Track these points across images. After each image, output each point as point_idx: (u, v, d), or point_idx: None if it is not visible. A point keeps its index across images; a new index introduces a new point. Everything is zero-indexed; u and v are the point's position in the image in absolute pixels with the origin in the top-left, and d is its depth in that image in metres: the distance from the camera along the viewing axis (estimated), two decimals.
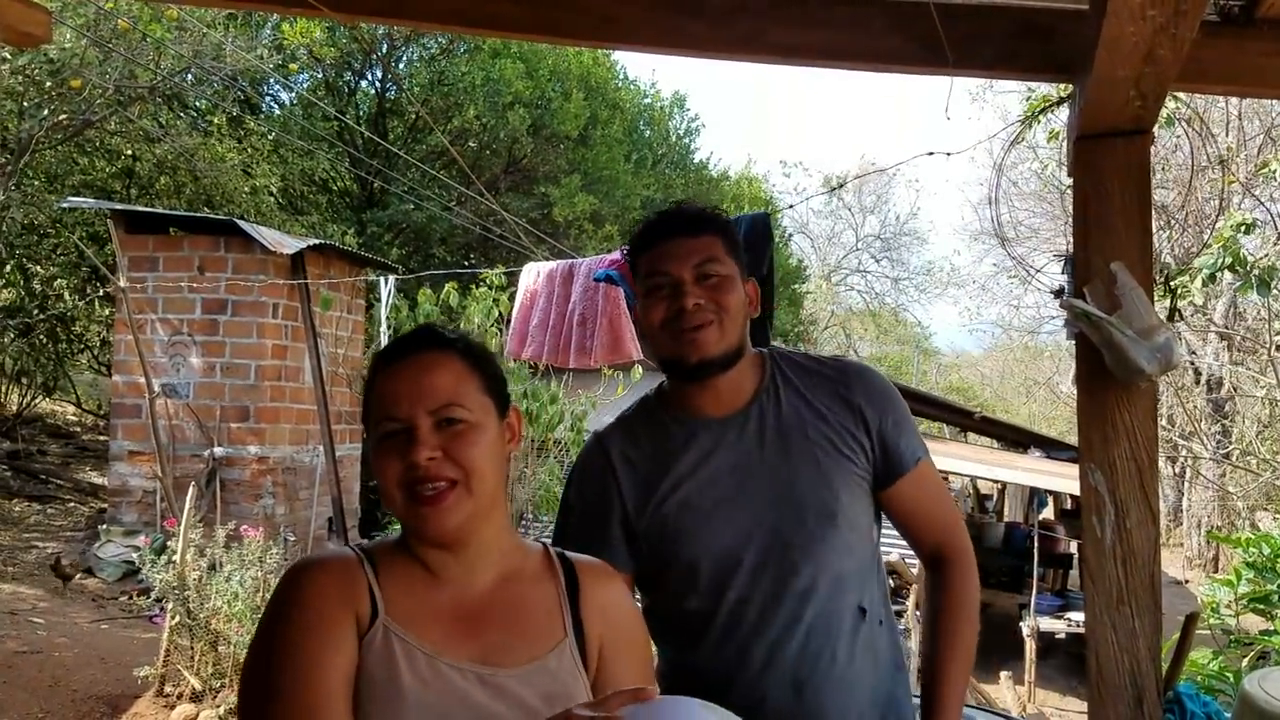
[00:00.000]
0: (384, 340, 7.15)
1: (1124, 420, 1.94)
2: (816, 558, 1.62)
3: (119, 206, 8.86)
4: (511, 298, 9.02)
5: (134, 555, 7.98)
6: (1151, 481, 1.92)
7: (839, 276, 34.14)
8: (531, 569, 1.30)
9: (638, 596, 1.75)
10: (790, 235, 26.54)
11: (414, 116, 12.25)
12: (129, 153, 9.86)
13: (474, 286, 9.53)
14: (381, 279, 7.16)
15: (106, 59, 8.33)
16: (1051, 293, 2.28)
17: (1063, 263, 2.20)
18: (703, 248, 1.66)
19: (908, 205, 48.70)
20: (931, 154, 3.93)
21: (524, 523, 9.53)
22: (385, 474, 1.21)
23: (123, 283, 5.87)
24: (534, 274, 4.43)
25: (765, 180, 23.75)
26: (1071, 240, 2.10)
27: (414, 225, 12.01)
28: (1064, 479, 10.13)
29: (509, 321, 8.64)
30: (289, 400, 8.63)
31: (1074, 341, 2.02)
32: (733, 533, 1.63)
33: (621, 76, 14.36)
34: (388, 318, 7.17)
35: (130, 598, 7.54)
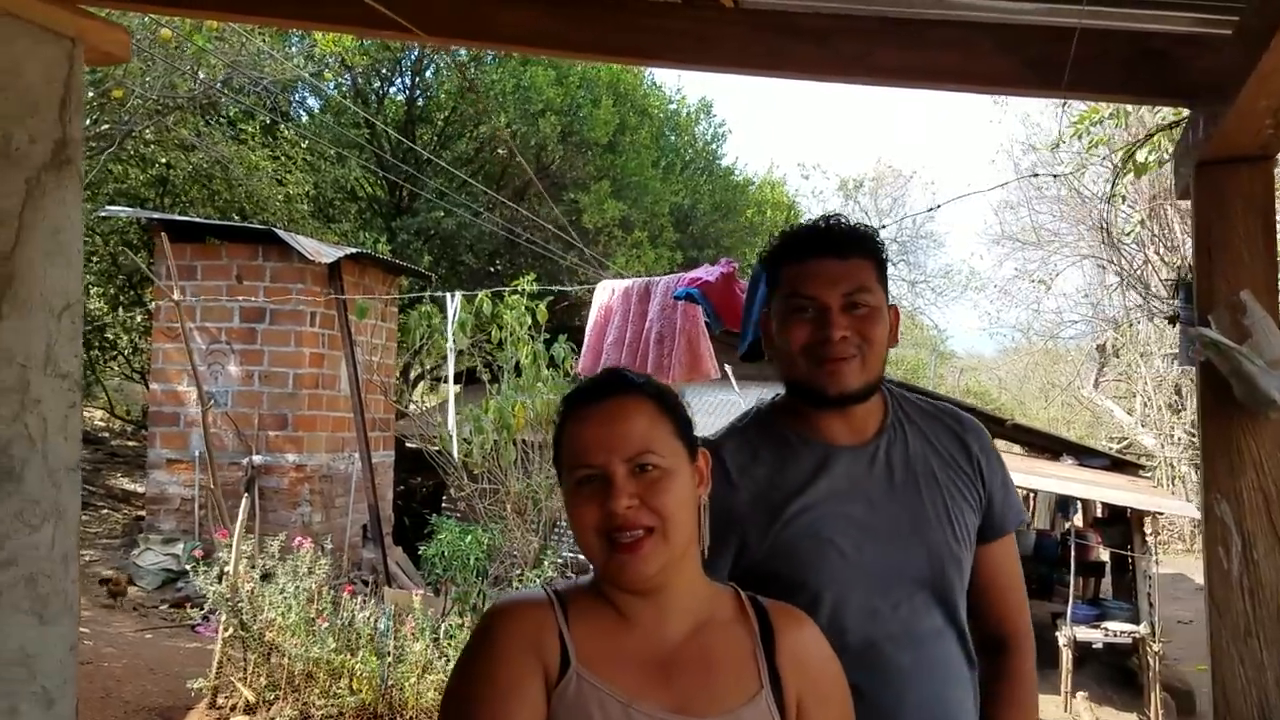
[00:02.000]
0: (450, 354, 7.13)
1: (1251, 450, 1.91)
2: (943, 602, 1.59)
3: (158, 215, 8.91)
4: (552, 307, 9.05)
5: (173, 563, 8.04)
6: None
7: None
8: (724, 614, 1.28)
9: None
10: None
11: (443, 124, 12.27)
12: (163, 161, 9.91)
13: (507, 293, 9.53)
14: (449, 295, 7.17)
15: (148, 69, 8.37)
16: (1167, 319, 2.25)
17: (1173, 287, 2.17)
18: (854, 274, 1.57)
19: (924, 207, 48.53)
20: (984, 191, 3.88)
21: (557, 531, 9.53)
22: (582, 520, 1.22)
23: (176, 295, 5.90)
24: (609, 291, 4.42)
25: (784, 184, 23.71)
26: (1189, 265, 2.08)
27: (443, 232, 12.03)
28: (1099, 487, 10.05)
29: (543, 328, 8.74)
30: (325, 408, 8.65)
31: (1196, 369, 1.99)
32: (865, 569, 1.57)
33: (649, 83, 14.38)
34: (454, 333, 7.17)
35: (169, 606, 7.57)
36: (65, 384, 2.76)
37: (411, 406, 11.73)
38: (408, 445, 11.25)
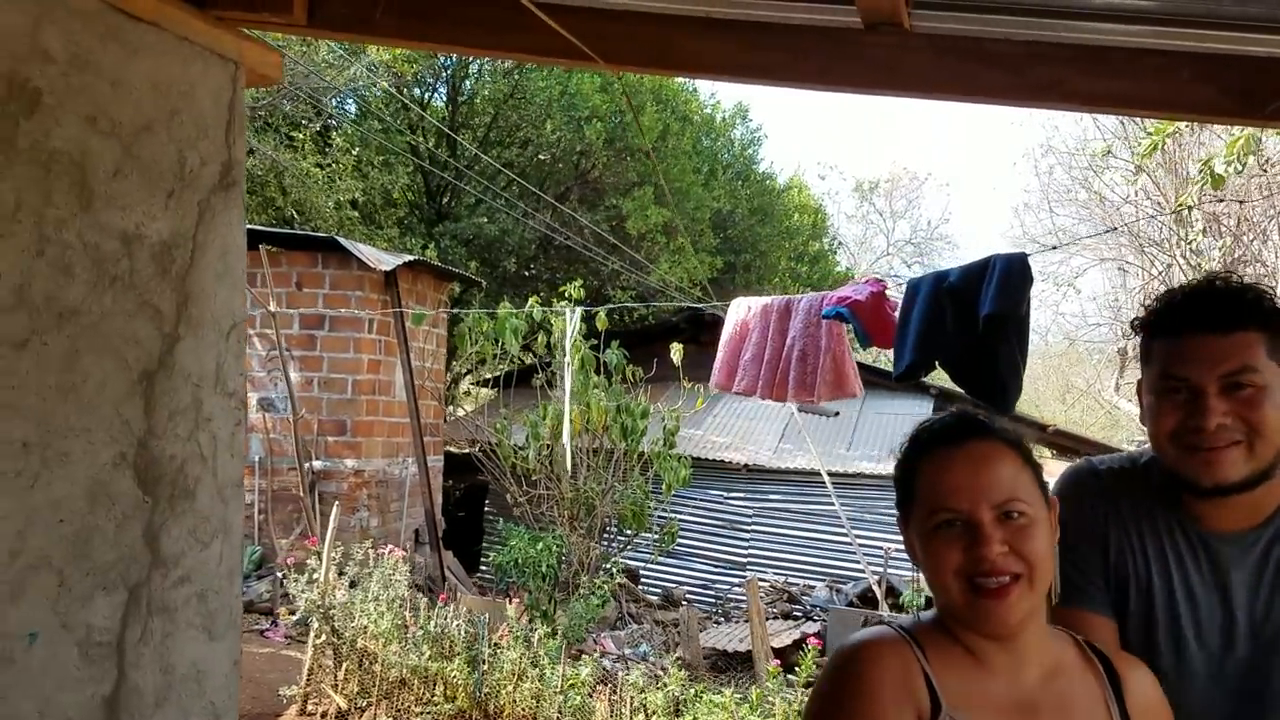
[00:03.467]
0: (566, 369, 7.14)
1: None
2: None
3: None
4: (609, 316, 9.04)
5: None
6: None
7: None
8: (1070, 661, 1.29)
9: None
10: (840, 244, 26.54)
11: (485, 130, 12.32)
12: None
13: (554, 300, 9.58)
14: (568, 311, 7.21)
15: None
16: None
17: None
18: (1236, 352, 1.38)
19: (939, 209, 48.67)
20: (1065, 246, 3.89)
21: (606, 535, 9.57)
22: (943, 563, 1.22)
23: (272, 308, 5.95)
24: (744, 308, 4.43)
25: (809, 187, 23.74)
26: None
27: (485, 237, 12.09)
28: None
29: (590, 336, 8.78)
30: (381, 414, 8.71)
31: None
32: (1210, 675, 1.45)
33: (688, 88, 14.40)
34: (570, 346, 7.15)
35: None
36: (232, 402, 2.80)
37: (460, 411, 11.77)
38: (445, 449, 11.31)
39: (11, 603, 2.15)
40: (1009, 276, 2.86)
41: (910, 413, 12.26)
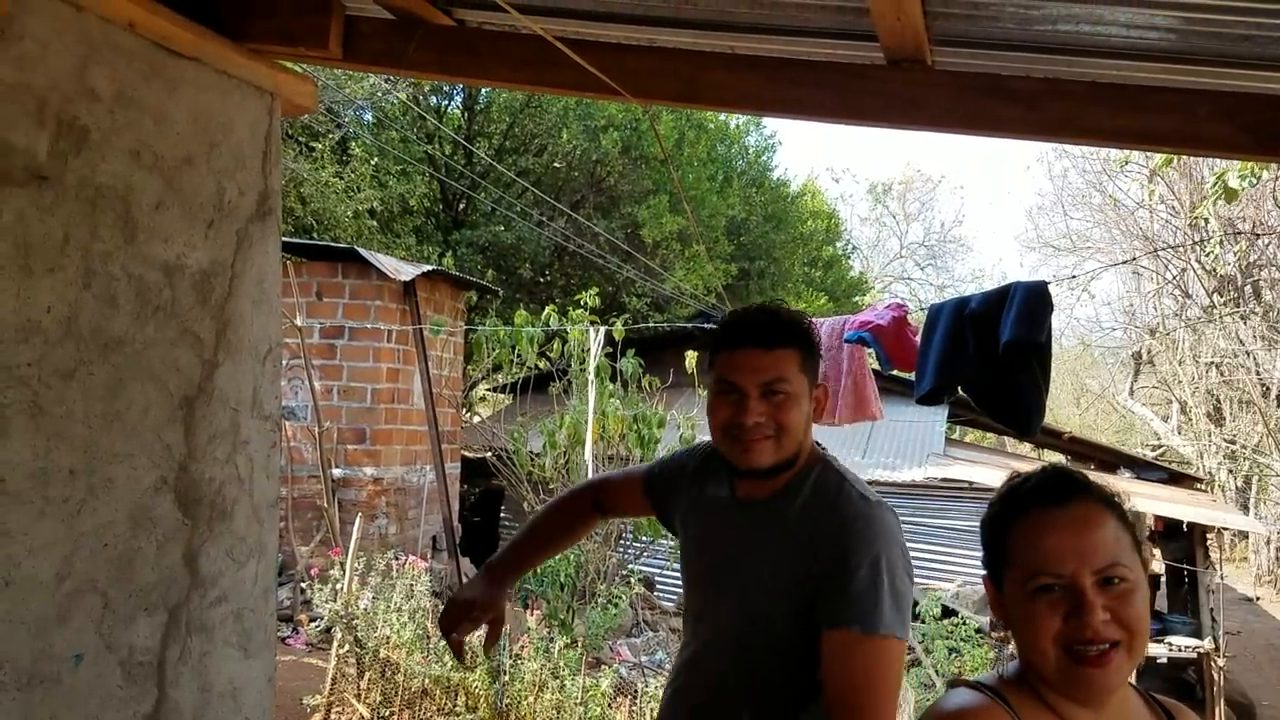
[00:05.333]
0: (591, 385, 7.17)
1: None
2: (745, 651, 1.72)
3: None
4: (635, 322, 9.09)
5: None
6: None
7: (882, 284, 34.22)
8: (1143, 715, 1.28)
9: None
10: (854, 248, 26.55)
11: (501, 138, 12.39)
12: None
13: (570, 309, 9.63)
14: (592, 329, 7.27)
15: None
16: None
17: None
18: (774, 365, 1.70)
19: (953, 212, 48.54)
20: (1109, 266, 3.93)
21: (622, 542, 9.62)
22: (1041, 630, 1.19)
23: (299, 322, 6.04)
24: None
25: (823, 191, 23.76)
26: None
27: (501, 245, 12.16)
28: (1163, 501, 10.06)
29: (606, 343, 8.82)
30: (400, 422, 8.79)
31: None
32: (704, 593, 1.85)
33: None
34: (594, 367, 7.17)
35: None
36: (267, 425, 2.87)
37: (475, 418, 11.85)
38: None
39: (59, 625, 2.23)
40: (1029, 304, 2.89)
41: (925, 420, 12.28)
